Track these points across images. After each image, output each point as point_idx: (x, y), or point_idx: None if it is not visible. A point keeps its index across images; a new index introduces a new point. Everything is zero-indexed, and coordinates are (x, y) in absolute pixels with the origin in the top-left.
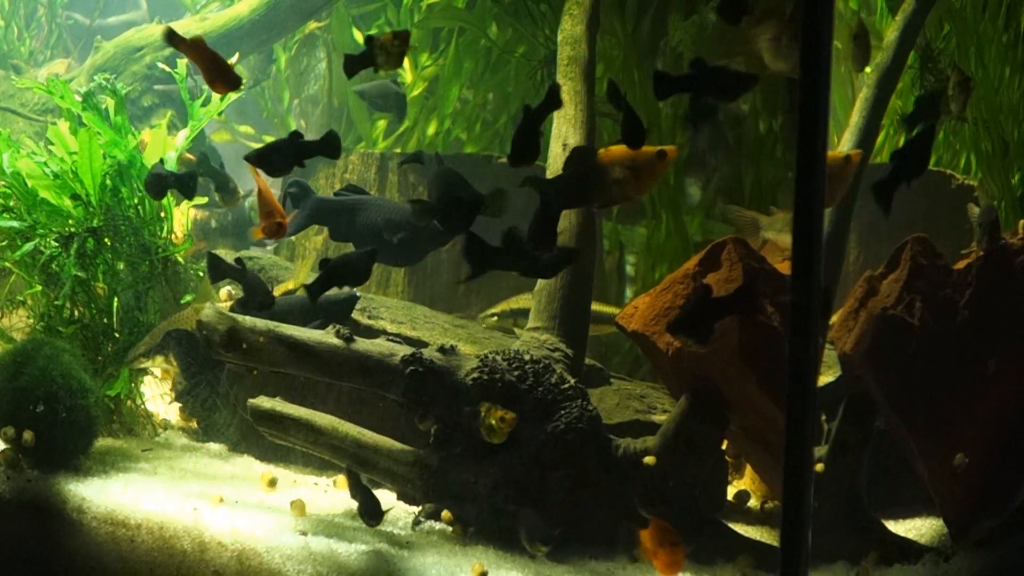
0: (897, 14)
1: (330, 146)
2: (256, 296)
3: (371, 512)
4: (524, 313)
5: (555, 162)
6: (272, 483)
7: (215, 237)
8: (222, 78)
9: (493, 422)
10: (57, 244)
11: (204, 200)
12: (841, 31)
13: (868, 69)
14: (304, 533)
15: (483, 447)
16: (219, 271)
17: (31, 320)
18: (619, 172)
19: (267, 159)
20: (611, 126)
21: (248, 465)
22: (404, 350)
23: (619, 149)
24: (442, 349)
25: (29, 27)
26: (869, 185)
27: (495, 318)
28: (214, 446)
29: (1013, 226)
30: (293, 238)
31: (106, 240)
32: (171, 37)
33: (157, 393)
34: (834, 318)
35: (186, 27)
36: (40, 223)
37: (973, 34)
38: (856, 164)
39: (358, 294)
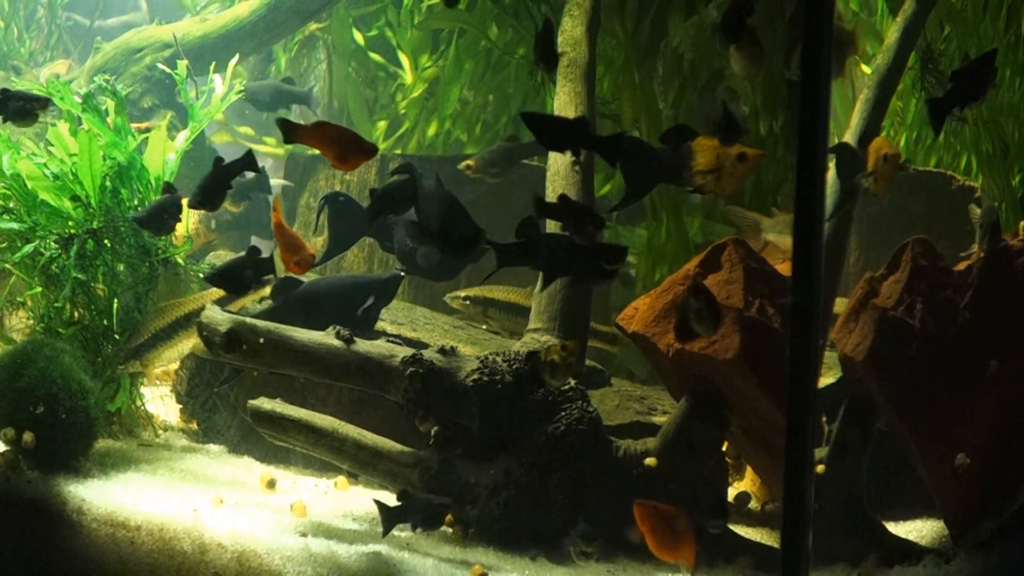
0: (897, 15)
1: (250, 162)
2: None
3: (427, 520)
4: (495, 304)
5: (555, 163)
6: (271, 484)
7: (223, 230)
8: (357, 150)
9: (556, 358)
10: (57, 246)
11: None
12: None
13: (868, 70)
14: (304, 534)
15: (482, 449)
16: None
17: (31, 321)
18: (707, 161)
19: (207, 199)
20: (611, 127)
21: (248, 466)
22: (404, 351)
23: (711, 141)
24: (442, 350)
25: (29, 28)
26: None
27: (467, 301)
28: (214, 447)
29: (1014, 227)
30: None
31: (106, 241)
32: (289, 133)
33: (158, 395)
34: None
35: (186, 28)
36: (40, 224)
37: (974, 35)
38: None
39: (402, 273)
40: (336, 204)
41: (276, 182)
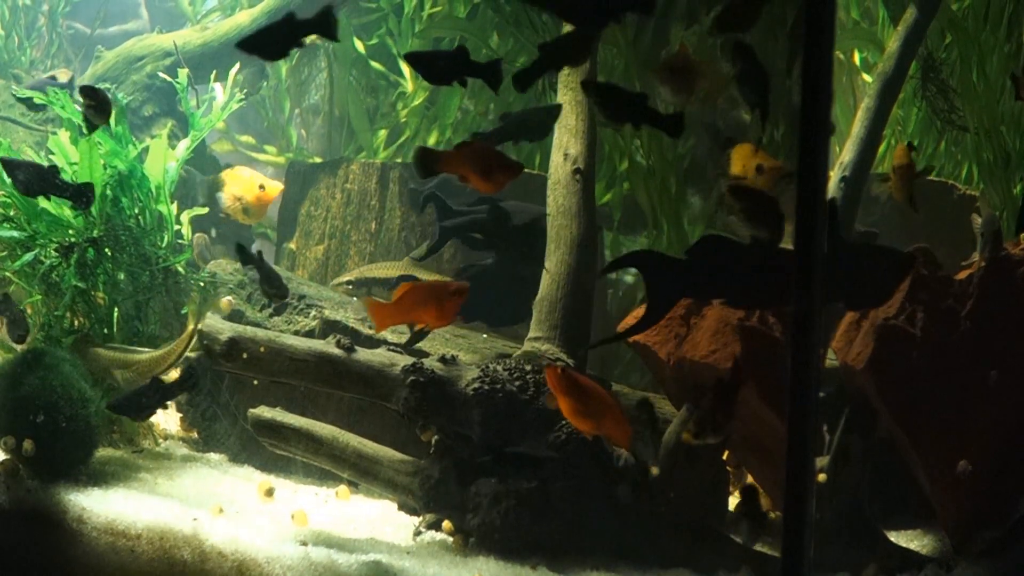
0: (898, 24)
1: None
2: (272, 286)
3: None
4: (377, 282)
5: (556, 172)
6: (269, 492)
7: (216, 244)
8: (502, 168)
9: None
10: (57, 254)
11: (204, 210)
12: (843, 41)
13: (869, 79)
14: (304, 543)
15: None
16: (245, 255)
17: (31, 329)
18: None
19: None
20: (611, 135)
21: (249, 475)
22: (405, 360)
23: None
24: (443, 359)
25: (30, 37)
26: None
27: (349, 286)
28: (214, 456)
29: (1014, 236)
30: (293, 246)
31: (106, 250)
32: (430, 164)
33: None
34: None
35: (187, 37)
36: (40, 233)
37: (975, 44)
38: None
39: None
40: (437, 202)
41: (274, 186)
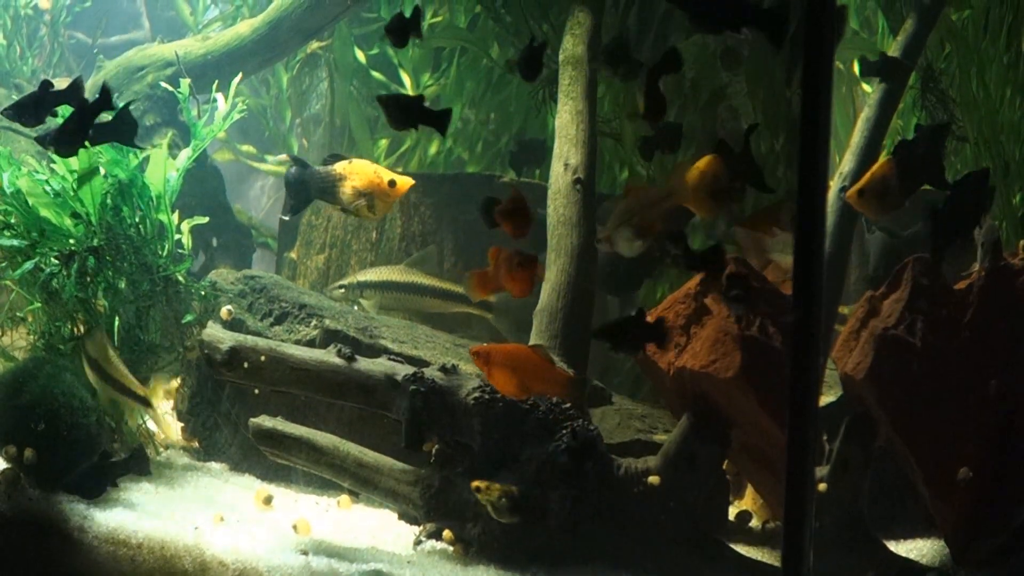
0: (898, 34)
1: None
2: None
3: None
4: (369, 285)
5: (556, 181)
6: (267, 500)
7: (218, 255)
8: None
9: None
10: (58, 262)
11: (204, 219)
12: (843, 51)
13: (869, 89)
14: (305, 553)
15: (484, 466)
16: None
17: (32, 337)
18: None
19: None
20: (612, 145)
21: (249, 484)
22: (406, 369)
23: None
24: (444, 368)
25: (31, 46)
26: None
27: (342, 290)
28: (215, 465)
29: (1014, 246)
30: (294, 255)
31: (107, 258)
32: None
33: (159, 412)
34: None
35: (188, 47)
36: (40, 241)
37: (974, 54)
38: None
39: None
40: None
41: (404, 180)
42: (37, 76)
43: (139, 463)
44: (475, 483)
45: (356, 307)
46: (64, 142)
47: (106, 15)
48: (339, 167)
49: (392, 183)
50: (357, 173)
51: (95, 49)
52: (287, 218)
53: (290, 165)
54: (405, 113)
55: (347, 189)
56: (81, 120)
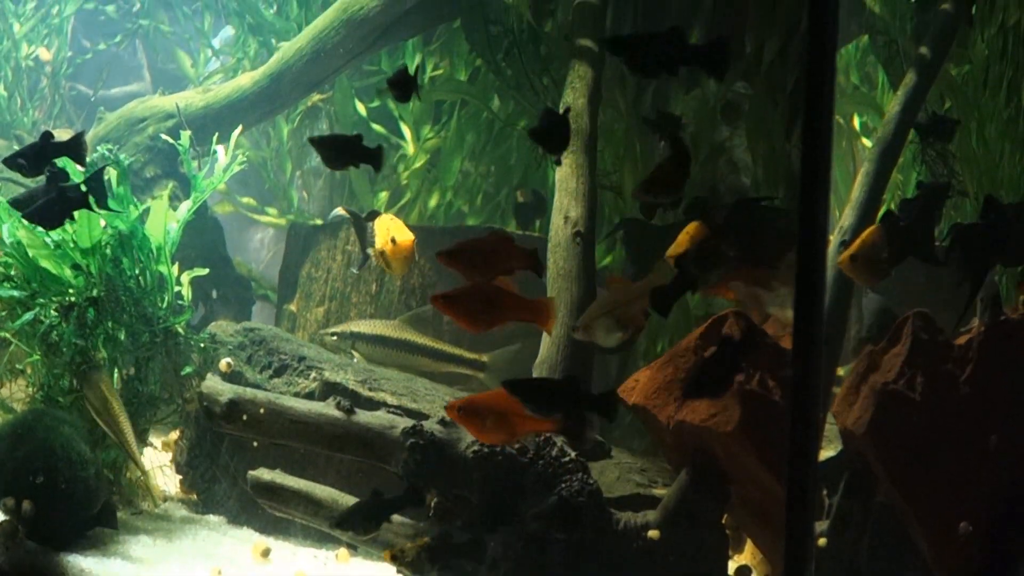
0: (898, 88)
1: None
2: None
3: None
4: (361, 337)
5: (556, 234)
6: (265, 553)
7: (217, 307)
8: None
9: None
10: (57, 314)
11: (205, 271)
12: (843, 105)
13: (869, 143)
14: None
15: (483, 519)
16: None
17: (31, 389)
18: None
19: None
20: (612, 198)
21: (248, 537)
22: (405, 422)
23: None
24: (443, 421)
25: (32, 97)
26: None
27: (334, 337)
28: (214, 518)
29: (1013, 301)
30: (294, 307)
31: (107, 309)
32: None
33: (158, 465)
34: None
35: (189, 99)
36: (40, 292)
37: (974, 109)
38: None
39: None
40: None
41: (405, 236)
42: (38, 127)
43: (107, 517)
44: (387, 554)
45: (342, 354)
46: (47, 217)
47: (107, 67)
48: (377, 223)
49: (393, 240)
50: (378, 230)
51: (93, 99)
52: (356, 271)
53: (349, 219)
54: (340, 152)
55: (375, 246)
56: (61, 195)
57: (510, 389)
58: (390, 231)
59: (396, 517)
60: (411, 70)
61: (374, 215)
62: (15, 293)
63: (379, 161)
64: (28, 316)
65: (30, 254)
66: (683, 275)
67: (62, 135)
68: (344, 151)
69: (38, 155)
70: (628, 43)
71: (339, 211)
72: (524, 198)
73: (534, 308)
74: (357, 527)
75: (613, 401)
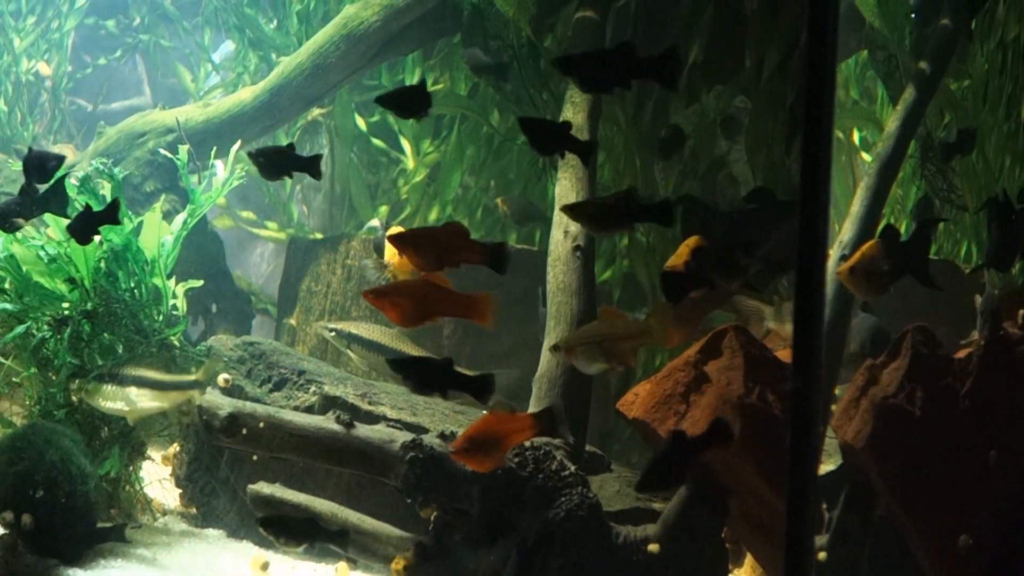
0: (898, 103)
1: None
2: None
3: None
4: (358, 340)
5: (556, 249)
6: (264, 567)
7: (217, 321)
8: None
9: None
10: (50, 327)
11: (199, 283)
12: (843, 120)
13: (868, 158)
14: None
15: (483, 534)
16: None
17: (28, 403)
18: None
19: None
20: None
21: (247, 551)
22: (404, 436)
23: None
24: (442, 435)
25: (32, 112)
26: None
27: (332, 333)
28: (213, 532)
29: (1013, 315)
30: (294, 322)
31: (105, 322)
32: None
33: (157, 478)
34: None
35: (189, 113)
36: (33, 306)
37: (974, 124)
38: None
39: None
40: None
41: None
42: (38, 142)
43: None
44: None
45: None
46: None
47: (107, 81)
48: (388, 235)
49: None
50: (388, 243)
51: (91, 112)
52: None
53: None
54: (277, 164)
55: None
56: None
57: (393, 366)
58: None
59: (394, 531)
60: (418, 85)
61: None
62: (8, 307)
63: (317, 167)
64: (20, 329)
65: (23, 268)
66: (700, 268)
67: (64, 150)
68: (280, 162)
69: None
70: (578, 61)
71: (375, 223)
72: (508, 207)
73: (470, 304)
74: (280, 535)
75: (487, 384)
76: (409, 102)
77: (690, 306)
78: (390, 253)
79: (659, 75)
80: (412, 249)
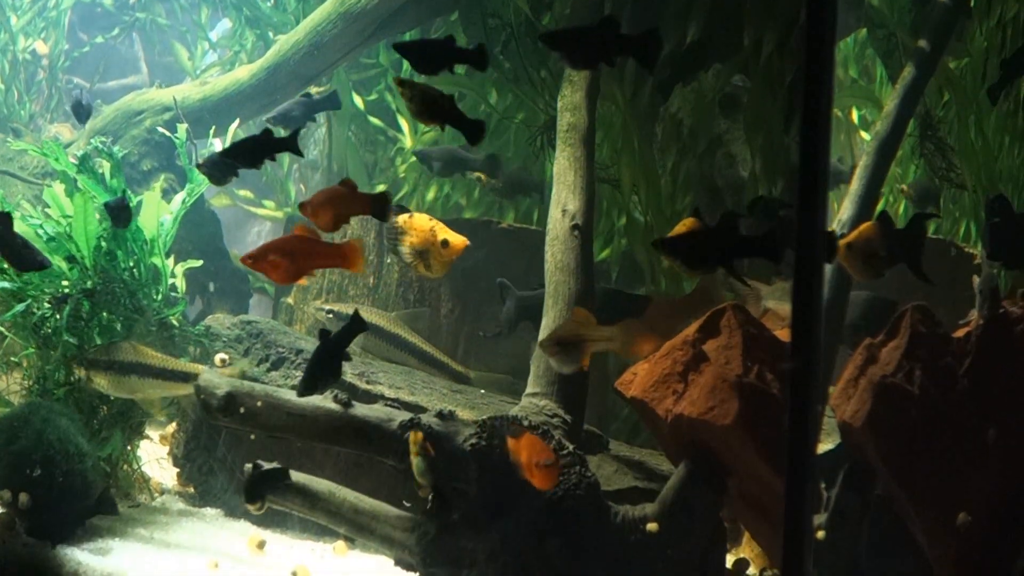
0: (896, 82)
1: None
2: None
3: None
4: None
5: (554, 227)
6: (260, 545)
7: (215, 301)
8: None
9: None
10: (50, 306)
11: (199, 263)
12: (842, 99)
13: (867, 136)
14: None
15: (482, 513)
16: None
17: (27, 382)
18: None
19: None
20: (610, 192)
21: (244, 531)
22: (402, 415)
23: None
24: (440, 414)
25: (29, 91)
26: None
27: (329, 315)
28: (211, 511)
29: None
30: (291, 301)
31: (104, 300)
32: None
33: (155, 457)
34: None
35: (186, 92)
36: (32, 284)
37: (972, 102)
38: None
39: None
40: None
41: (458, 240)
42: (35, 121)
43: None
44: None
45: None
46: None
47: (104, 60)
48: (400, 220)
49: (445, 243)
50: (415, 229)
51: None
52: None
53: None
54: (254, 153)
55: (405, 246)
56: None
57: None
58: (435, 231)
59: (392, 510)
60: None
61: (402, 210)
62: (6, 285)
63: (295, 146)
64: (20, 307)
65: None
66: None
67: (61, 129)
68: (254, 148)
69: None
70: (563, 37)
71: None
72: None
73: (339, 253)
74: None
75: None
76: (432, 56)
77: (662, 317)
78: (422, 239)
79: (638, 53)
80: (308, 210)
